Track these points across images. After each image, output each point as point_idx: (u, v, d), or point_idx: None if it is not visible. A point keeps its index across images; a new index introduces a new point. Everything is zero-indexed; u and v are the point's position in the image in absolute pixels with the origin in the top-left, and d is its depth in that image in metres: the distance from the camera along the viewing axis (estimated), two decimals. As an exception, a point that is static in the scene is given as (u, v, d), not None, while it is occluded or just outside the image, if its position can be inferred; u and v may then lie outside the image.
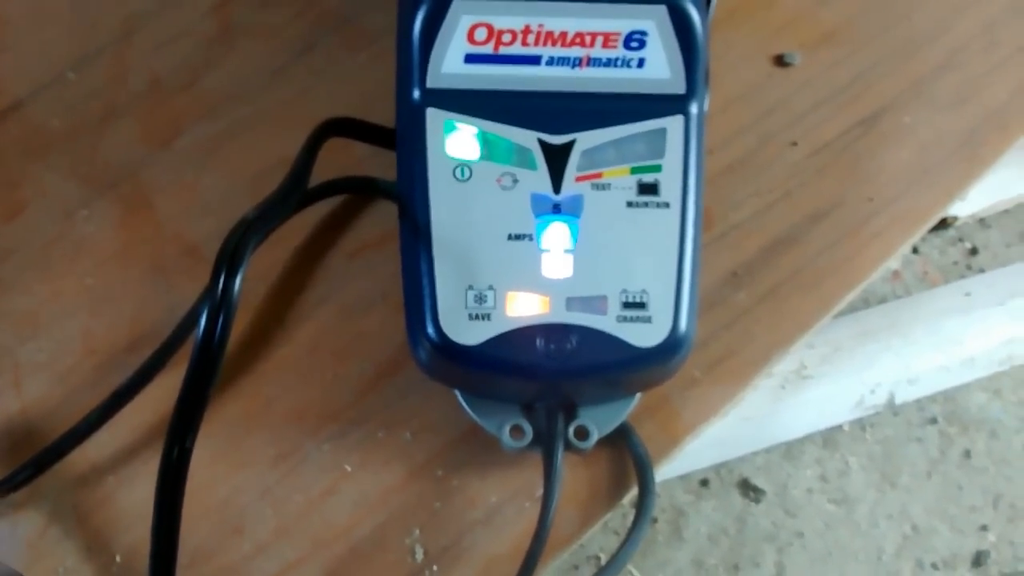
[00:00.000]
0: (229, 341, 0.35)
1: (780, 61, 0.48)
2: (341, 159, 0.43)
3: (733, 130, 0.47)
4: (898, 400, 0.66)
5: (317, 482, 0.40)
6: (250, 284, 0.40)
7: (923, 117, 0.48)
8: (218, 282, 0.33)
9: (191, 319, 0.39)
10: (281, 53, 0.47)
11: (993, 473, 0.73)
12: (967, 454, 0.73)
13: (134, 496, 0.39)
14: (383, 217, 0.44)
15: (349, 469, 0.41)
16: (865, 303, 0.69)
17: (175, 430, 0.34)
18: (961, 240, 0.76)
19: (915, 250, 0.75)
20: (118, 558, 0.39)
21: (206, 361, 0.33)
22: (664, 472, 0.42)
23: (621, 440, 0.40)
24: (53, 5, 0.48)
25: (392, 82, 0.41)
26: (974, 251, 0.76)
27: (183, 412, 0.34)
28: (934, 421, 0.73)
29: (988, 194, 0.70)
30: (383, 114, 0.44)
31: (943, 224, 0.74)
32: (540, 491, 0.39)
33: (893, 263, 0.47)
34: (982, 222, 0.76)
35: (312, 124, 0.42)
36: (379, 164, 0.43)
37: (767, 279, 0.44)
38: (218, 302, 0.33)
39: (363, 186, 0.43)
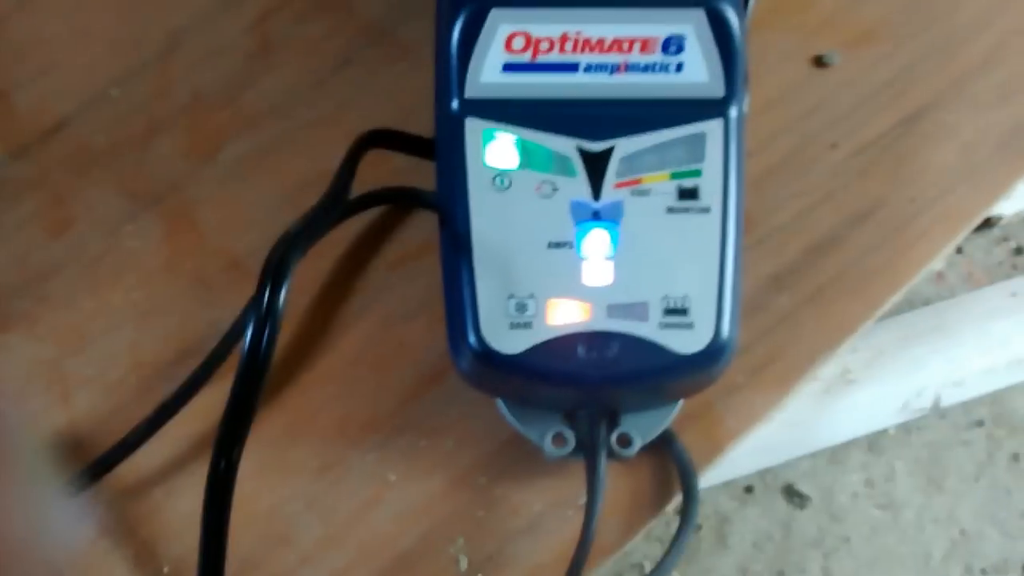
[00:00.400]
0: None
1: (819, 61, 0.48)
2: (381, 170, 0.43)
3: (773, 132, 0.46)
4: (944, 403, 0.65)
5: (362, 491, 0.41)
6: (292, 295, 0.40)
7: (966, 115, 0.47)
8: (263, 296, 0.33)
9: (236, 332, 0.40)
10: (320, 67, 0.47)
11: (1043, 476, 0.72)
12: (1015, 457, 0.72)
13: (182, 507, 0.40)
14: (423, 227, 0.44)
15: (393, 478, 0.41)
16: (909, 305, 0.68)
17: (222, 442, 0.34)
18: (1006, 239, 0.75)
19: (959, 250, 0.74)
20: (166, 569, 0.39)
21: (252, 374, 0.34)
22: (708, 479, 0.42)
23: (664, 447, 0.40)
24: (96, 24, 0.49)
25: (430, 92, 0.41)
26: (1019, 251, 0.75)
27: (230, 425, 0.34)
28: (981, 424, 0.72)
29: (1034, 192, 0.69)
30: (422, 125, 0.44)
31: (987, 223, 0.73)
32: (583, 499, 0.39)
33: (937, 264, 0.47)
34: (1028, 221, 0.75)
35: (352, 136, 0.42)
36: (419, 174, 0.44)
37: (810, 282, 0.44)
38: (263, 315, 0.33)
39: (403, 196, 0.43)
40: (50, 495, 0.18)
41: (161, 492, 0.40)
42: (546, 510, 0.40)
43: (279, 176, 0.45)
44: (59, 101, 0.47)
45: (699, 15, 0.38)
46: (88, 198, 0.45)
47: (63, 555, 0.18)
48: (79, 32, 0.49)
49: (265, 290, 0.34)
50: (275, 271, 0.34)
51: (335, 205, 0.39)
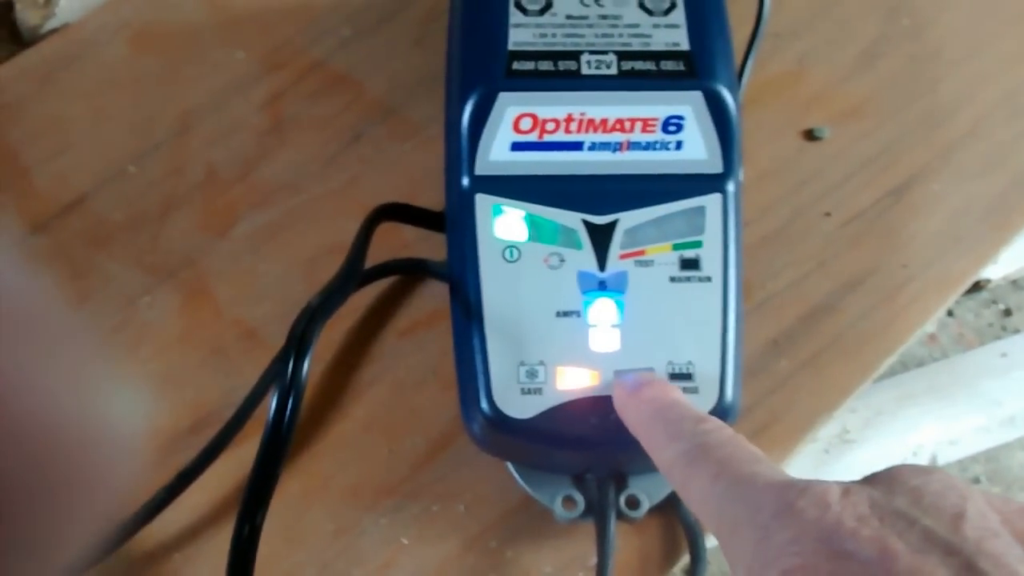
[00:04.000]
0: (292, 421, 0.36)
1: (810, 135, 0.50)
2: (391, 242, 0.45)
3: (768, 203, 0.48)
4: (940, 461, 0.66)
5: (375, 556, 0.41)
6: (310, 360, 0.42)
7: (952, 185, 0.49)
8: (287, 366, 0.35)
9: (252, 400, 0.41)
10: (331, 144, 0.49)
11: (1039, 533, 0.72)
12: (1012, 514, 0.73)
13: (200, 572, 0.40)
14: (432, 297, 0.46)
15: (406, 542, 0.42)
16: (903, 367, 0.69)
17: (246, 508, 0.35)
18: (995, 302, 0.76)
19: (950, 313, 0.76)
20: (186, 634, 0.40)
21: (276, 441, 0.35)
22: (714, 539, 0.43)
23: (671, 508, 0.41)
24: (114, 104, 0.50)
25: (437, 168, 0.43)
26: (1008, 312, 0.76)
27: (254, 490, 0.35)
28: (977, 481, 0.73)
29: (1020, 256, 0.70)
30: (429, 198, 0.46)
31: (976, 287, 0.75)
32: (593, 560, 0.40)
33: (929, 327, 0.48)
34: (1015, 284, 0.77)
35: (362, 211, 0.44)
36: (428, 245, 0.45)
37: (807, 346, 0.45)
38: (288, 385, 0.34)
39: (414, 267, 0.45)
40: (112, 376, 0.18)
41: (180, 558, 0.41)
42: (557, 572, 0.41)
43: (292, 249, 0.47)
44: (78, 178, 0.48)
45: (697, 96, 0.40)
46: (106, 271, 0.46)
47: (130, 437, 0.17)
48: (97, 112, 0.50)
49: (289, 360, 0.35)
50: (299, 342, 0.35)
51: (352, 277, 0.41)
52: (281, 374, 0.35)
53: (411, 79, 0.51)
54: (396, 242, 0.46)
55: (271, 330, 0.45)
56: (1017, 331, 0.75)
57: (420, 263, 0.44)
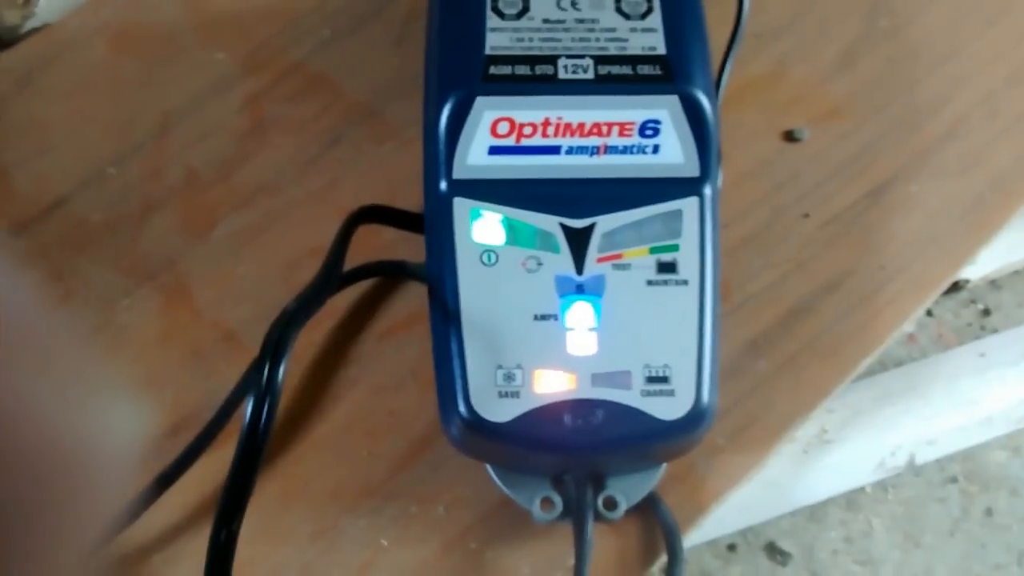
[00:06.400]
0: (270, 424, 0.36)
1: (789, 136, 0.50)
2: (371, 243, 0.45)
3: (746, 204, 0.48)
4: (919, 461, 0.66)
5: (355, 557, 0.41)
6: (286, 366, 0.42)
7: (930, 186, 0.49)
8: (263, 372, 0.35)
9: (231, 403, 0.41)
10: (311, 146, 0.49)
11: (1016, 530, 0.73)
12: (989, 512, 0.73)
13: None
14: (411, 298, 0.46)
15: (385, 544, 0.42)
16: (882, 366, 0.70)
17: (223, 514, 0.35)
18: (974, 302, 0.77)
19: (929, 313, 0.76)
20: (165, 638, 0.40)
21: (252, 447, 0.35)
22: (692, 538, 0.43)
23: (649, 509, 0.41)
24: (93, 106, 0.50)
25: (416, 169, 0.43)
26: (987, 312, 0.77)
27: (230, 496, 0.35)
28: (955, 480, 0.74)
29: (998, 256, 0.71)
30: (408, 200, 0.46)
31: (955, 287, 0.75)
32: (572, 561, 0.40)
33: (908, 327, 0.48)
34: (993, 283, 0.77)
35: (341, 212, 0.44)
36: (408, 246, 0.45)
37: (786, 347, 0.46)
38: (263, 392, 0.34)
39: (393, 269, 0.45)
40: (103, 390, 0.18)
41: (159, 560, 0.41)
42: (535, 573, 0.41)
43: (271, 251, 0.47)
44: (58, 179, 0.48)
45: (673, 101, 0.40)
46: (85, 273, 0.46)
47: (126, 453, 0.17)
48: (77, 113, 0.50)
49: (265, 367, 0.35)
50: (274, 348, 0.35)
51: (330, 280, 0.41)
52: (256, 380, 0.35)
53: (390, 81, 0.51)
54: (377, 243, 0.46)
55: (250, 332, 0.45)
56: (996, 331, 0.76)
57: (399, 265, 0.45)
